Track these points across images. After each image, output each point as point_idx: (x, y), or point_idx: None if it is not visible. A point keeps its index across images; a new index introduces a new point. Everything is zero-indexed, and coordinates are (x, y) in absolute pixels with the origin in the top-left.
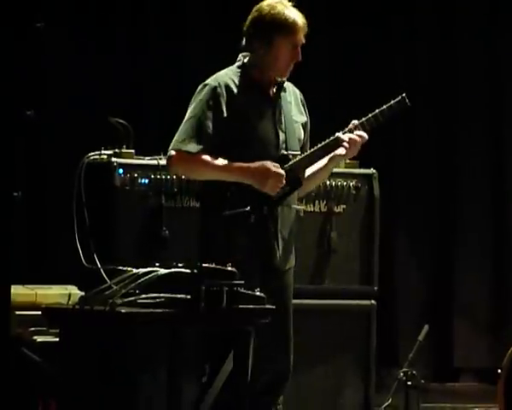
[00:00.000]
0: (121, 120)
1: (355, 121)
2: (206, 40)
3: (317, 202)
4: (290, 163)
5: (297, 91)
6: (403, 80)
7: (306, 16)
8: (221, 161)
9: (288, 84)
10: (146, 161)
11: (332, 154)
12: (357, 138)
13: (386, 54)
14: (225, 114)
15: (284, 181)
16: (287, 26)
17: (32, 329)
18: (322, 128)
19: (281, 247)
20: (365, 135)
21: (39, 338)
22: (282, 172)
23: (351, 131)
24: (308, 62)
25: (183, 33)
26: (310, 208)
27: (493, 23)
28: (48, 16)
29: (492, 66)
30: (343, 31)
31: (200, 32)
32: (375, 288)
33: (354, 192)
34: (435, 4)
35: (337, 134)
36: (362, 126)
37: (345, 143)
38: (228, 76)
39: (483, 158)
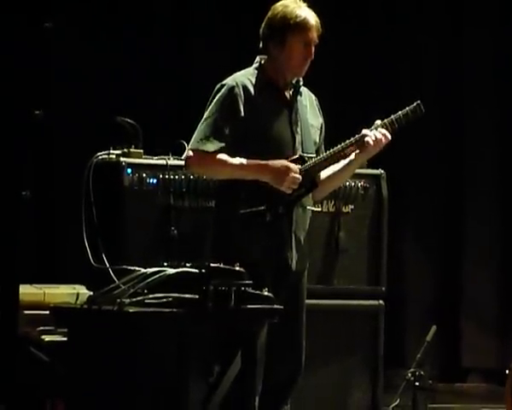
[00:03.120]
0: (130, 120)
1: (378, 121)
2: (215, 38)
3: (325, 202)
4: (306, 165)
5: (312, 96)
6: (409, 77)
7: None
8: (238, 160)
9: (303, 89)
10: (154, 160)
11: (356, 153)
12: (381, 136)
13: (393, 50)
14: (242, 114)
15: (300, 182)
16: (298, 25)
17: (40, 328)
18: (328, 126)
19: (295, 247)
20: (389, 135)
21: (47, 338)
22: (298, 170)
23: (376, 129)
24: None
25: (192, 32)
26: (318, 208)
27: (503, 21)
28: (56, 16)
29: (500, 63)
30: (348, 27)
31: (209, 30)
32: (383, 288)
33: (362, 192)
34: (443, 1)
35: (363, 131)
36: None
37: (369, 139)
38: (245, 76)
39: (491, 156)
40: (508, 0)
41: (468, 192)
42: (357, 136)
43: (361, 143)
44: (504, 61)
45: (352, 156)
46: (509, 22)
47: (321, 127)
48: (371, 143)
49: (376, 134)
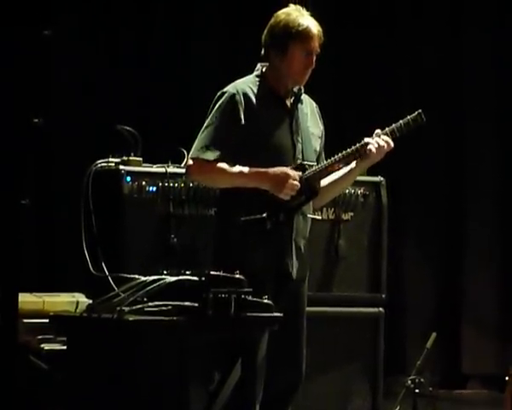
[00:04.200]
0: (129, 128)
1: (378, 130)
2: (215, 45)
3: (324, 209)
4: (307, 173)
5: (313, 103)
6: (409, 83)
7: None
8: (238, 168)
9: (304, 96)
10: (154, 168)
11: (358, 160)
12: (384, 144)
13: (393, 57)
14: (243, 122)
15: (298, 189)
16: (300, 33)
17: (40, 337)
18: (328, 133)
19: (295, 255)
20: (391, 142)
21: (47, 346)
22: (297, 178)
23: (378, 137)
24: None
25: (192, 38)
26: (318, 216)
27: (502, 25)
28: (56, 24)
29: (500, 67)
30: (348, 34)
31: (209, 37)
32: (383, 295)
33: (362, 200)
34: (442, 5)
35: (365, 139)
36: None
37: (372, 147)
38: (246, 84)
39: (491, 163)
40: (506, 4)
41: (468, 196)
42: (358, 144)
43: (363, 151)
44: (504, 64)
45: (353, 164)
46: (508, 26)
47: (321, 135)
48: (374, 150)
49: (379, 141)
